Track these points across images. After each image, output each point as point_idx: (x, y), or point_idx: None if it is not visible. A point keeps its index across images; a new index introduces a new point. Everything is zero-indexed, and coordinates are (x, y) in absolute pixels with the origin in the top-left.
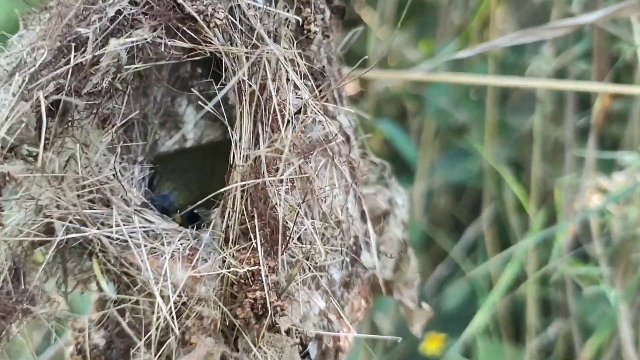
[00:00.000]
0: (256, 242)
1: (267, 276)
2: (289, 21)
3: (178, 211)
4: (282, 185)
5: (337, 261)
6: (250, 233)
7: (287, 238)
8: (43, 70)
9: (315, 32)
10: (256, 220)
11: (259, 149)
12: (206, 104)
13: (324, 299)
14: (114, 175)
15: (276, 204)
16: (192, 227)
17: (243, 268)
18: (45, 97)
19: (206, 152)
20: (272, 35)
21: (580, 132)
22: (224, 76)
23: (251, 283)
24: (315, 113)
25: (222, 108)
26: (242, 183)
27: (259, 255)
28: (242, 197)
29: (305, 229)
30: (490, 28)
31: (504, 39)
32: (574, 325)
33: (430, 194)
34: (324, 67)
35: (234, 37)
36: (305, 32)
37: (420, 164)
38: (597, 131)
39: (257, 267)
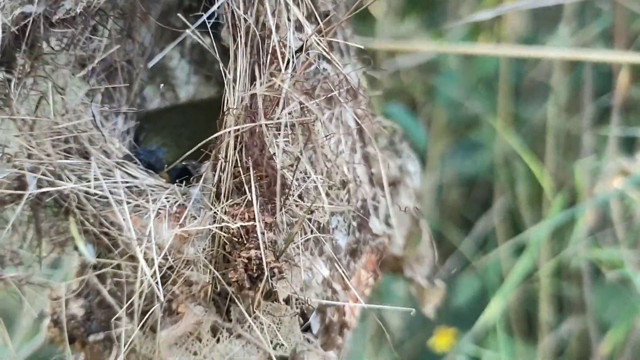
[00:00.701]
0: (251, 195)
1: (263, 233)
2: None
3: (166, 167)
4: (281, 132)
5: (342, 225)
6: (245, 186)
7: (287, 191)
8: None
9: None
10: (251, 170)
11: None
12: (196, 34)
13: (327, 267)
14: (93, 122)
15: (274, 153)
16: (181, 184)
17: (236, 224)
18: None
19: (200, 108)
20: None
21: (599, 116)
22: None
23: (245, 241)
24: (319, 56)
25: (215, 48)
26: (236, 127)
27: (254, 210)
28: (235, 146)
29: (306, 186)
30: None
31: (525, 2)
32: (590, 319)
33: (440, 187)
34: (329, 11)
35: None
36: None
37: (431, 156)
38: (620, 108)
39: (252, 222)
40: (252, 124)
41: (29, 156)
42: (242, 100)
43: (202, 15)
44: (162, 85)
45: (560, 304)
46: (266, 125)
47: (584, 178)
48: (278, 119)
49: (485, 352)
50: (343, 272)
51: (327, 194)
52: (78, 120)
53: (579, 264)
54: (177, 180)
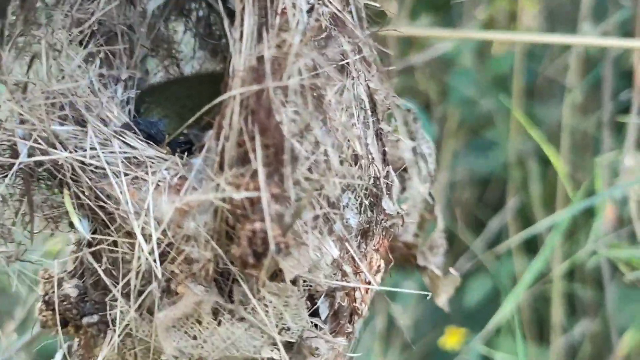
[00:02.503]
0: (256, 164)
1: (269, 205)
2: None
3: (170, 145)
4: (289, 96)
5: (354, 204)
6: (251, 153)
7: (295, 160)
8: None
9: None
10: (257, 136)
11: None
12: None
13: (337, 247)
14: (90, 87)
15: (281, 120)
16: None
17: (240, 194)
18: None
19: (205, 80)
20: None
21: (617, 114)
22: None
23: (250, 214)
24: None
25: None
26: (242, 90)
27: (259, 180)
28: (240, 112)
29: (316, 158)
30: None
31: None
32: (608, 321)
33: (452, 186)
34: None
35: None
36: None
37: (443, 155)
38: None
39: (257, 193)
40: (259, 86)
41: (21, 122)
42: (248, 62)
43: None
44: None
45: (573, 305)
46: (274, 88)
47: (602, 174)
48: (288, 79)
49: (497, 353)
50: (354, 251)
51: (339, 166)
52: (74, 84)
53: (596, 263)
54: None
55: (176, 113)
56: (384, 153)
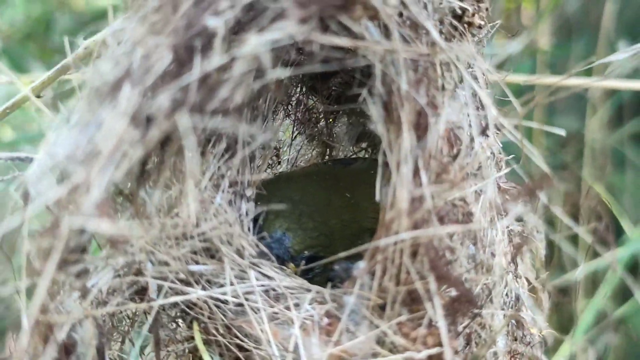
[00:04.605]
0: (434, 313)
1: None
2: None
3: (293, 259)
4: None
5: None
6: (426, 300)
7: (475, 307)
8: (160, 81)
9: (479, 27)
10: (432, 281)
11: (420, 185)
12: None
13: None
14: (227, 222)
15: (452, 259)
16: (310, 277)
17: (419, 350)
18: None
19: (313, 178)
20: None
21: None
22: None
23: None
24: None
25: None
26: (414, 234)
27: (441, 332)
28: (407, 250)
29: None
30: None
31: None
32: None
33: None
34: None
35: (394, 34)
36: (465, 25)
37: None
38: None
39: (438, 349)
40: (429, 233)
41: (152, 262)
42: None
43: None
44: None
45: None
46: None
47: None
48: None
49: None
50: None
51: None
52: (216, 222)
53: None
54: (306, 273)
55: (295, 223)
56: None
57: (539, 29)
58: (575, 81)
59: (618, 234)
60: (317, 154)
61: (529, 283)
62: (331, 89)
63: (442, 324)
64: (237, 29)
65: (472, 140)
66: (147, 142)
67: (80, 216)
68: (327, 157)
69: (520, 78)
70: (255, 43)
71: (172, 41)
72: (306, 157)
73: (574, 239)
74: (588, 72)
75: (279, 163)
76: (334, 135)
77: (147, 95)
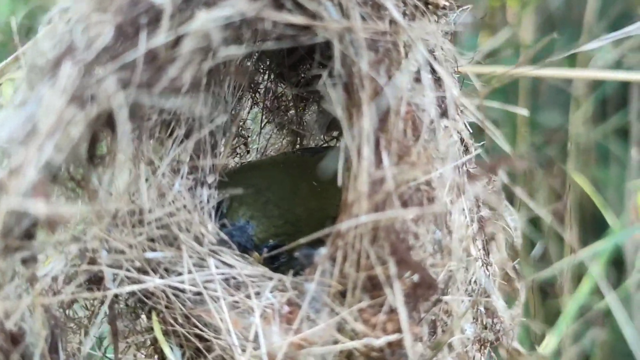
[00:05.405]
0: (394, 299)
1: (412, 347)
2: None
3: (257, 248)
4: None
5: (470, 312)
6: (386, 285)
7: (437, 293)
8: (102, 58)
9: (444, 7)
10: (392, 266)
11: (381, 168)
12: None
13: None
14: (185, 208)
15: (413, 244)
16: (274, 266)
17: (378, 337)
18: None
19: (280, 166)
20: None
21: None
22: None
23: (388, 357)
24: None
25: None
26: (375, 217)
27: (401, 319)
28: (365, 235)
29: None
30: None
31: None
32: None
33: None
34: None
35: (352, 13)
36: (430, 6)
37: None
38: None
39: (398, 335)
40: (390, 215)
41: (108, 250)
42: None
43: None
44: None
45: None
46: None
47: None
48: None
49: None
50: None
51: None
52: (174, 208)
53: None
54: (271, 262)
55: (260, 211)
56: (486, 248)
57: (522, 24)
58: (555, 71)
59: (602, 227)
60: (287, 143)
61: (505, 272)
62: (300, 75)
63: (401, 309)
64: (186, 6)
65: (432, 122)
66: (88, 121)
67: (16, 197)
68: (297, 146)
69: (498, 69)
70: (204, 19)
71: (117, 18)
72: (276, 146)
73: (559, 238)
74: (571, 65)
75: (248, 152)
76: (304, 123)
77: (90, 72)
